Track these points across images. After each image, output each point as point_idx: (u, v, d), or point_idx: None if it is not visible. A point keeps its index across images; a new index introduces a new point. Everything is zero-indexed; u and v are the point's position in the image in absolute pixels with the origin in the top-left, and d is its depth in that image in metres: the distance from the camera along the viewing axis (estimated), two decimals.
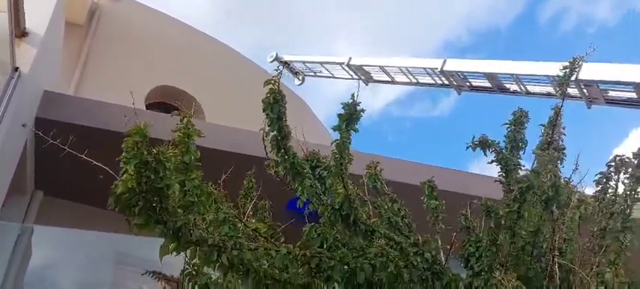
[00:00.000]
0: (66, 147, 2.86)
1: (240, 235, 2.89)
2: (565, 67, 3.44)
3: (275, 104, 3.11)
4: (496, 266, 2.91)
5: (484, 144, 3.50)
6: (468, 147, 3.50)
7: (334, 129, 3.01)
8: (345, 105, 2.97)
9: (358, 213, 2.92)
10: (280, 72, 3.10)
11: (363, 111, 2.96)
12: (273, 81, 3.10)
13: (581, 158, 3.26)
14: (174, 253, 2.69)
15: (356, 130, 3.00)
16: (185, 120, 2.87)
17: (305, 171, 3.24)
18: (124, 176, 2.39)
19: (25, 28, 5.12)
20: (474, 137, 3.58)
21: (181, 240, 2.54)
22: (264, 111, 3.15)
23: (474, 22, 28.16)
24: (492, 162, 3.50)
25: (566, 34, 25.59)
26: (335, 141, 3.00)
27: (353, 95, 2.97)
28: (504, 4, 28.03)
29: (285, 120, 3.17)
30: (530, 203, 3.01)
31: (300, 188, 3.25)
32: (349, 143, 3.00)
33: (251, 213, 3.40)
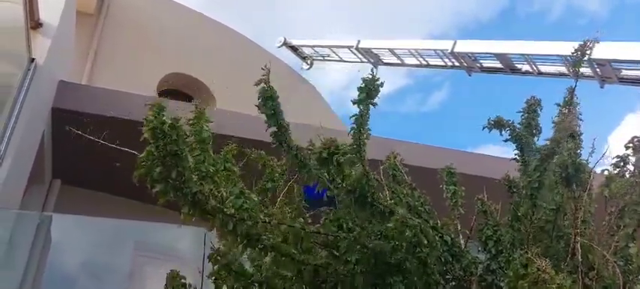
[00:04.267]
0: (89, 136, 2.92)
1: (255, 208, 2.92)
2: (576, 50, 3.44)
3: (268, 100, 3.14)
4: (517, 245, 2.94)
5: (500, 124, 3.56)
6: (484, 128, 3.56)
7: (354, 102, 3.01)
8: (364, 80, 2.99)
9: (375, 194, 2.94)
10: (268, 70, 3.11)
11: (381, 84, 2.98)
12: (262, 81, 3.13)
13: (587, 140, 3.28)
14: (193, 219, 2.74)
15: (375, 105, 3.01)
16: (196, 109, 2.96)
17: (311, 162, 3.25)
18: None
19: (39, 19, 5.16)
20: (489, 118, 3.64)
21: (197, 208, 2.61)
22: (258, 110, 3.18)
23: (460, 17, 27.90)
24: (507, 140, 3.57)
25: (555, 24, 25.44)
26: (354, 116, 3.00)
27: (372, 70, 3.00)
28: None
29: (282, 114, 3.19)
30: (550, 173, 3.03)
31: (306, 177, 3.26)
32: (368, 117, 3.01)
33: (284, 199, 3.44)
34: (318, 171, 3.13)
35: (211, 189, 2.69)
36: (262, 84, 3.13)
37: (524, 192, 3.04)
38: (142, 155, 2.50)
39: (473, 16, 28.54)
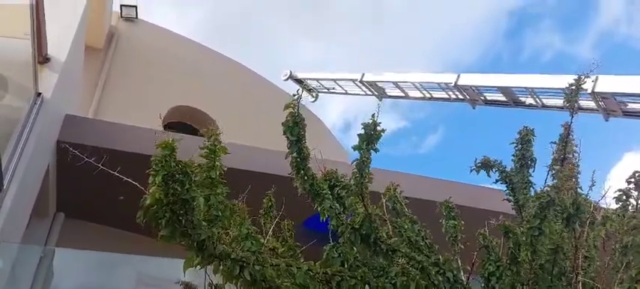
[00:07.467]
0: (91, 164, 2.94)
1: (262, 251, 2.93)
2: (571, 85, 3.45)
3: (294, 127, 3.17)
4: (518, 287, 2.89)
5: (487, 166, 3.54)
6: (471, 171, 3.54)
7: (354, 148, 3.04)
8: (365, 126, 3.01)
9: (379, 233, 2.93)
10: (300, 96, 3.15)
11: (383, 131, 3.00)
12: (292, 105, 3.16)
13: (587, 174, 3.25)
14: (198, 267, 2.74)
15: (376, 150, 3.03)
16: (212, 137, 2.95)
17: (324, 191, 3.27)
18: (152, 188, 2.47)
19: (47, 54, 5.25)
20: (476, 159, 3.62)
21: (205, 254, 2.60)
22: (284, 133, 3.20)
23: (450, 62, 28.30)
24: (497, 181, 3.54)
25: (545, 67, 25.80)
26: (355, 161, 3.03)
27: (373, 115, 3.02)
28: (481, 42, 28.32)
29: (305, 141, 3.22)
30: (550, 219, 3.00)
31: (320, 208, 3.28)
32: (369, 162, 3.02)
33: (272, 232, 3.43)
34: (331, 202, 3.14)
35: (219, 233, 2.68)
36: (290, 109, 3.17)
37: (523, 238, 2.99)
38: (149, 200, 2.46)
39: (462, 64, 28.89)
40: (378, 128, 3.00)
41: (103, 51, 9.85)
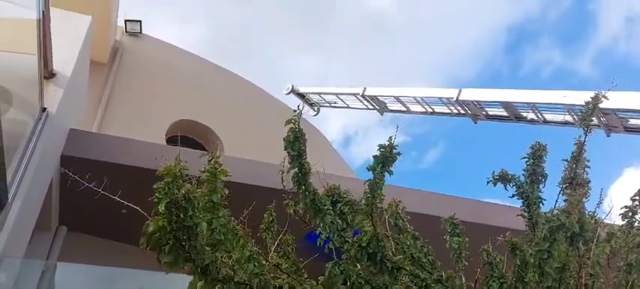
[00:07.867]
0: (93, 186, 2.96)
1: (265, 272, 2.93)
2: (587, 103, 3.43)
3: (295, 141, 3.18)
4: None
5: (504, 179, 3.52)
6: (488, 182, 3.52)
7: (369, 169, 3.06)
8: (381, 147, 3.02)
9: (385, 251, 2.94)
10: (300, 112, 3.18)
11: (399, 154, 3.02)
12: (293, 120, 3.18)
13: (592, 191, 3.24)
14: None
15: (391, 172, 3.04)
16: (213, 160, 2.96)
17: (326, 207, 3.27)
18: (156, 218, 2.48)
19: (52, 69, 5.29)
20: (493, 172, 3.60)
21: (209, 278, 2.61)
22: (285, 149, 3.22)
23: (449, 77, 28.43)
24: (513, 196, 3.51)
25: (545, 83, 25.84)
26: (368, 181, 3.04)
27: (390, 137, 3.04)
28: (480, 58, 28.48)
29: (306, 157, 3.23)
30: (559, 241, 2.98)
31: (321, 224, 3.28)
32: (382, 184, 3.04)
33: (273, 247, 3.43)
34: (332, 218, 3.15)
35: (223, 256, 2.69)
36: (291, 124, 3.19)
37: (532, 260, 2.98)
38: (151, 227, 2.48)
39: (462, 79, 28.95)
40: (394, 151, 3.02)
41: (107, 65, 9.92)
